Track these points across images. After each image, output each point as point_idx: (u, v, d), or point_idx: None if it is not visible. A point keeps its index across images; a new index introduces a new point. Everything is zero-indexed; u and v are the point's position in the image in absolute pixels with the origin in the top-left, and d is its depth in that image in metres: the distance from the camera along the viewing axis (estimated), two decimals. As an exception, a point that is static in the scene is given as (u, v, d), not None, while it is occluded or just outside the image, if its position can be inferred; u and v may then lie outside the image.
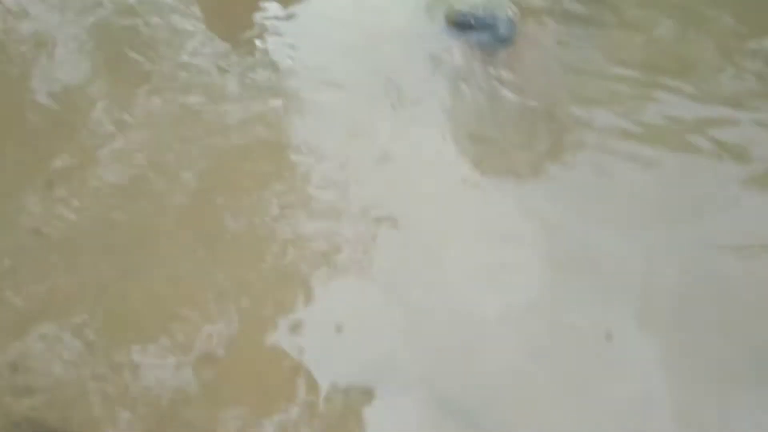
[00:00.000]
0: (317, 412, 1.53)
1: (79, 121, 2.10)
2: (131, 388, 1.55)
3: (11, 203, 1.88)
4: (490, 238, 1.85)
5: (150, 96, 2.18)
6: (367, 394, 1.56)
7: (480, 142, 2.10)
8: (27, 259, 1.77)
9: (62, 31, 2.40)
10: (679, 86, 2.17)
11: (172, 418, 1.52)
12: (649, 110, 2.12)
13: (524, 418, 1.54)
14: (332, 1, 2.58)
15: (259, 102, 2.16)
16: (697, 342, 1.65)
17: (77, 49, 2.34)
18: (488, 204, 1.94)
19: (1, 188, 1.92)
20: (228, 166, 1.99)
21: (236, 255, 1.79)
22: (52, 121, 2.12)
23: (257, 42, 2.39)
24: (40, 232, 1.81)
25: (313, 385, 1.57)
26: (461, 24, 2.36)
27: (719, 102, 2.13)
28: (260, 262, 1.77)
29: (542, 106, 2.14)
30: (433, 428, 1.52)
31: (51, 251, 1.78)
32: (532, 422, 1.53)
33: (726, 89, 2.18)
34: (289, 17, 2.48)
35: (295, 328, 1.67)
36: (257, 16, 2.49)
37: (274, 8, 2.51)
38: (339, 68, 2.29)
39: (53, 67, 2.29)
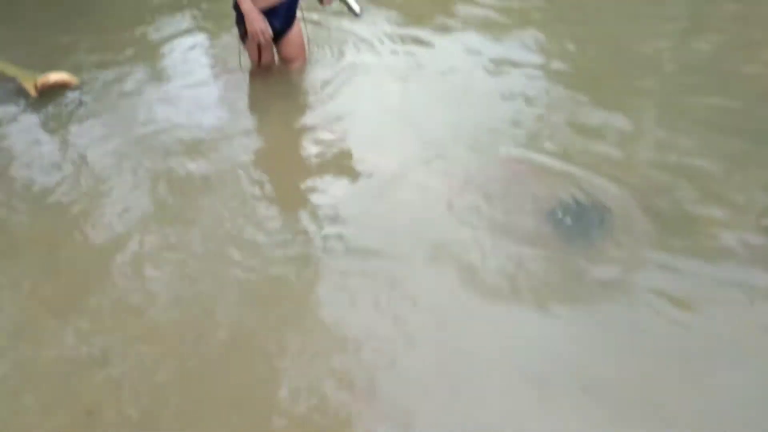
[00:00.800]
0: None
1: (130, 291, 2.15)
2: None
3: (65, 383, 1.89)
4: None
5: (197, 259, 2.25)
6: None
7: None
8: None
9: (119, 183, 2.57)
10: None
11: None
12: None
13: None
14: (391, 179, 2.55)
15: (294, 269, 2.20)
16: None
17: (133, 204, 2.47)
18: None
19: (55, 366, 1.94)
20: (262, 342, 1.99)
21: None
22: (107, 289, 2.16)
23: (300, 212, 2.45)
24: (92, 413, 1.80)
25: None
26: (556, 213, 2.32)
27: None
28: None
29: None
30: None
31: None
32: None
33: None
34: (347, 198, 2.50)
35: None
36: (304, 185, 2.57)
37: (329, 190, 2.56)
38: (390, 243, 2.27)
39: (104, 223, 2.40)
